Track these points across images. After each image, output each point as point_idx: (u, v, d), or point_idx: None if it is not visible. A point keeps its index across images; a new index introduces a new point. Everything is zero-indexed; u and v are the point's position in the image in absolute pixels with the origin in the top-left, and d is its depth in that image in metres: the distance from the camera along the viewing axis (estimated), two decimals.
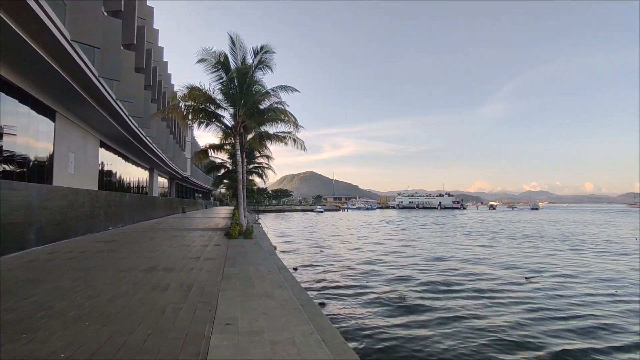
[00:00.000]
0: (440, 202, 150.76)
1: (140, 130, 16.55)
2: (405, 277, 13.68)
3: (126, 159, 20.68)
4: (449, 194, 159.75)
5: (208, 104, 14.70)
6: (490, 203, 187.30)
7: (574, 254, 20.01)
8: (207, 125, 16.08)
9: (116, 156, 18.91)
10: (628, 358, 6.55)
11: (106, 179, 17.27)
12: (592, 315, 8.91)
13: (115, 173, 19.08)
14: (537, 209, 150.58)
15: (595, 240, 27.35)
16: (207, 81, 15.48)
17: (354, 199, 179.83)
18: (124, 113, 13.62)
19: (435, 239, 28.21)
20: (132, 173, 22.51)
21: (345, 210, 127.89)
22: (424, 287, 11.91)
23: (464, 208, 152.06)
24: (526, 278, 13.38)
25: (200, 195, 62.16)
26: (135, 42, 14.89)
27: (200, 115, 15.12)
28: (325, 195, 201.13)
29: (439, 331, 7.72)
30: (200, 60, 14.15)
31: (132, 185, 22.51)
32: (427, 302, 9.97)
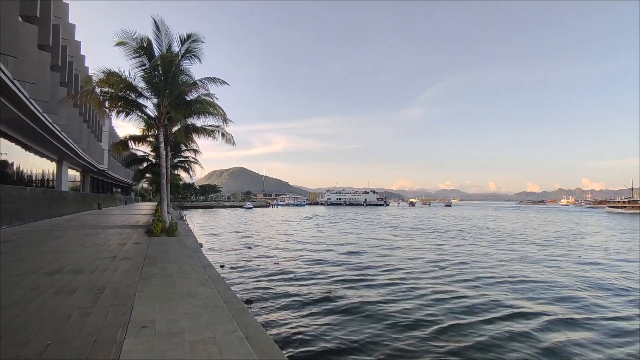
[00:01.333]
0: (365, 199, 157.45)
1: (46, 116, 14.60)
2: (330, 271, 14.03)
3: (27, 148, 18.17)
4: (373, 192, 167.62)
5: (128, 92, 13.46)
6: (410, 200, 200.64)
7: (481, 243, 22.36)
8: (127, 114, 14.75)
9: (14, 144, 16.51)
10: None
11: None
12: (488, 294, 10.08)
13: (12, 164, 16.67)
14: (450, 205, 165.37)
15: (493, 231, 30.83)
16: (128, 67, 14.10)
17: (283, 196, 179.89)
18: (24, 95, 11.89)
19: (361, 234, 29.40)
20: (35, 164, 19.88)
21: (275, 206, 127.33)
22: (348, 281, 12.33)
23: (387, 205, 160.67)
24: (440, 268, 14.62)
25: (120, 190, 57.20)
26: (38, 16, 13.06)
27: (119, 104, 13.79)
28: (255, 191, 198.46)
29: (363, 324, 8.04)
30: (120, 44, 12.88)
31: (34, 178, 19.87)
32: (351, 294, 10.34)
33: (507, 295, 10.66)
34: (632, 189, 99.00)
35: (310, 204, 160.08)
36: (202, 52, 14.29)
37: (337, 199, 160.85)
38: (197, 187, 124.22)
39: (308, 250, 19.76)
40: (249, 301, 9.45)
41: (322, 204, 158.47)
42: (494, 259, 17.04)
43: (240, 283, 11.69)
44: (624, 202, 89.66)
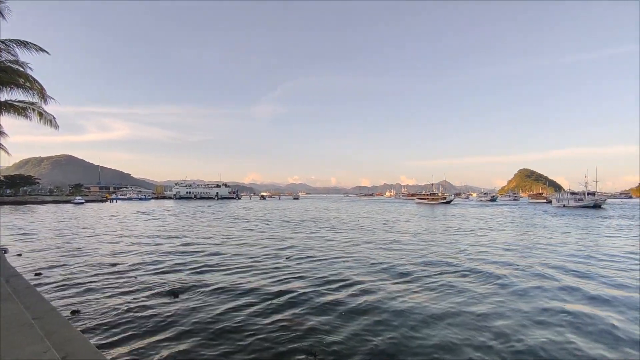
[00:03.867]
0: (217, 193, 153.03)
1: None
2: (175, 267, 13.10)
3: None
4: (226, 185, 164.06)
5: None
6: (262, 193, 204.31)
7: (331, 232, 24.37)
8: None
9: None
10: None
11: None
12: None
13: None
14: (297, 198, 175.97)
15: (336, 220, 34.31)
16: None
17: (125, 189, 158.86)
18: None
19: (211, 227, 28.34)
20: None
21: (114, 201, 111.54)
22: (192, 275, 11.76)
23: (239, 198, 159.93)
24: (286, 258, 15.22)
25: None
26: None
27: None
28: (89, 183, 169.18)
29: (213, 322, 7.81)
30: None
31: None
32: (197, 291, 9.89)
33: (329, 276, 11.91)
34: (432, 184, 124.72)
35: (156, 198, 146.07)
36: (8, 8, 11.30)
37: (187, 192, 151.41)
38: (3, 178, 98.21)
39: (151, 245, 18.04)
40: (75, 312, 8.00)
41: (170, 198, 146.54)
42: (329, 244, 18.81)
43: (63, 292, 9.78)
44: (427, 195, 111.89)
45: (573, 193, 79.81)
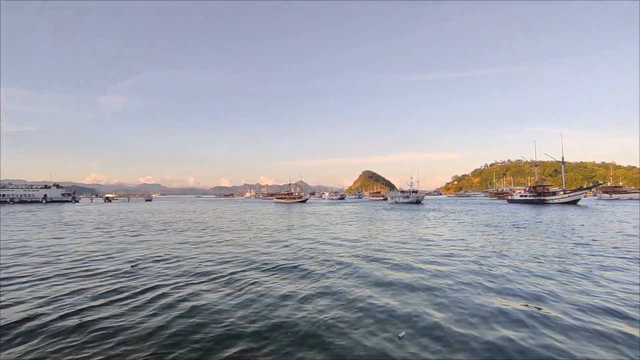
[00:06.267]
0: (46, 195, 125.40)
1: None
2: None
3: None
4: (58, 186, 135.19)
5: None
6: (107, 195, 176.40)
7: (178, 236, 22.71)
8: None
9: None
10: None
11: None
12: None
13: None
14: (150, 200, 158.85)
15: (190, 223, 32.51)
16: None
17: None
18: None
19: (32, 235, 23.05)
20: None
21: None
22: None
23: (77, 201, 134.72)
24: (132, 266, 13.53)
25: None
26: None
27: None
28: None
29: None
30: None
31: None
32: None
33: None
34: (290, 184, 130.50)
35: None
36: None
37: (2, 195, 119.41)
38: None
39: None
40: None
41: None
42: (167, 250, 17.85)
43: None
44: (285, 194, 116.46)
45: (402, 191, 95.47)
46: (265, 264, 13.70)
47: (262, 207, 78.18)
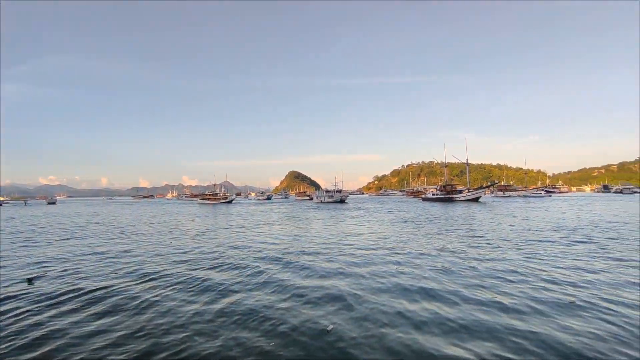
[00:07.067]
0: None
1: None
2: None
3: None
4: None
5: None
6: None
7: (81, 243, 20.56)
8: None
9: None
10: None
11: None
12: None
13: None
14: (54, 203, 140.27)
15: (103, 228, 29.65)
16: None
17: None
18: None
19: None
20: None
21: None
22: None
23: None
24: (28, 281, 11.84)
25: None
26: None
27: None
28: None
29: None
30: None
31: None
32: None
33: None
34: (215, 184, 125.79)
35: None
36: None
37: None
38: None
39: None
40: None
41: None
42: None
43: None
44: (210, 195, 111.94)
45: (327, 191, 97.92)
46: (191, 269, 13.29)
47: (185, 208, 74.18)
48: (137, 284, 10.87)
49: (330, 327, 7.07)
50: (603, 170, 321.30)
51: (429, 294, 9.06)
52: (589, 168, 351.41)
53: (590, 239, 18.12)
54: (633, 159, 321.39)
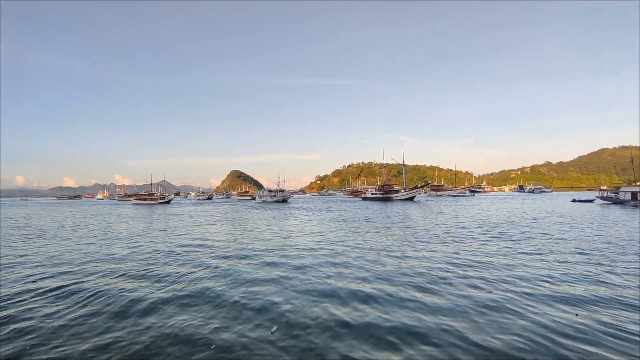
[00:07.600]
0: None
1: None
2: None
3: None
4: None
5: None
6: None
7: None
8: None
9: None
10: None
11: None
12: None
13: None
14: None
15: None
16: None
17: None
18: None
19: None
20: None
21: None
22: None
23: None
24: None
25: None
26: None
27: None
28: None
29: None
30: None
31: None
32: None
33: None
34: (151, 184, 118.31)
35: None
36: None
37: None
38: None
39: None
40: None
41: None
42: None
43: None
44: (145, 195, 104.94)
45: (270, 191, 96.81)
46: (122, 274, 12.29)
47: (117, 209, 68.57)
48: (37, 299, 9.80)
49: (274, 328, 7.11)
50: (519, 172, 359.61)
51: (359, 296, 9.28)
52: (508, 170, 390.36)
53: (504, 235, 20.28)
54: (541, 163, 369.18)
